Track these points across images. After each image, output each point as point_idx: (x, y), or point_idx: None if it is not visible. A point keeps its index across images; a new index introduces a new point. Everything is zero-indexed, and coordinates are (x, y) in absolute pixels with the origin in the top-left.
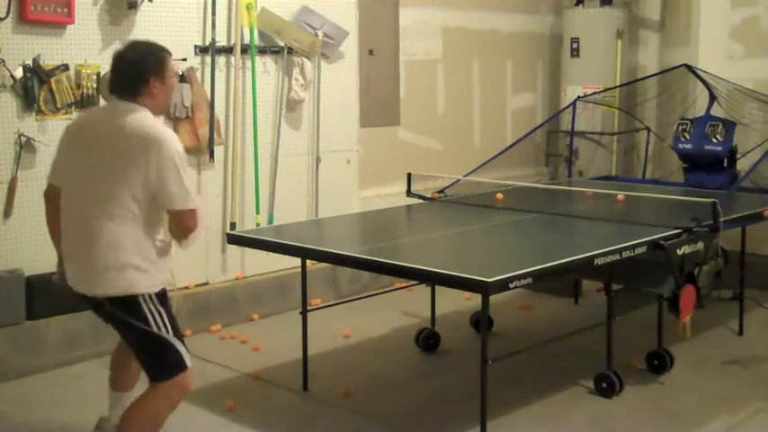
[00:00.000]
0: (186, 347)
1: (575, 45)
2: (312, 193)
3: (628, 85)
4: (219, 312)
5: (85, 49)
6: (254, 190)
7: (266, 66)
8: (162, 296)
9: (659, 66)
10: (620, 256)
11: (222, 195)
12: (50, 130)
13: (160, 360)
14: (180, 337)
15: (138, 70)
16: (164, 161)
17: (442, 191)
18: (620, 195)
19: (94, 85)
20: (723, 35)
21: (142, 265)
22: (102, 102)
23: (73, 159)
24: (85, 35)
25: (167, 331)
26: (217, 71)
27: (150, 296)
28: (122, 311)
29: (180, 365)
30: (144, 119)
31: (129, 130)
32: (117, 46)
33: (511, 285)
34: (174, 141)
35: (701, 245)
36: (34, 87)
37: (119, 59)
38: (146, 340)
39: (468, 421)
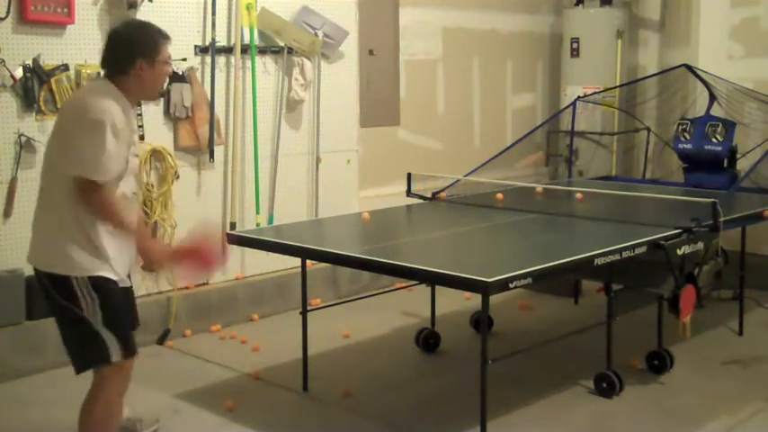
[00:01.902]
0: (123, 341)
1: (575, 45)
2: (312, 193)
3: (628, 85)
4: (219, 312)
5: (85, 49)
6: (254, 190)
7: (266, 66)
8: (98, 283)
9: (659, 66)
10: (620, 256)
11: (222, 195)
12: (50, 131)
13: (81, 348)
14: (117, 329)
15: (127, 49)
16: (80, 123)
17: (441, 191)
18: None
19: None
20: (723, 35)
21: (80, 247)
22: None
23: None
24: (85, 35)
25: (96, 320)
26: (217, 71)
27: (83, 279)
28: (55, 289)
29: (103, 358)
30: (92, 92)
31: (71, 105)
32: None
33: (511, 285)
34: (97, 109)
35: (701, 245)
36: (34, 87)
37: (109, 36)
38: (70, 324)
39: (468, 421)
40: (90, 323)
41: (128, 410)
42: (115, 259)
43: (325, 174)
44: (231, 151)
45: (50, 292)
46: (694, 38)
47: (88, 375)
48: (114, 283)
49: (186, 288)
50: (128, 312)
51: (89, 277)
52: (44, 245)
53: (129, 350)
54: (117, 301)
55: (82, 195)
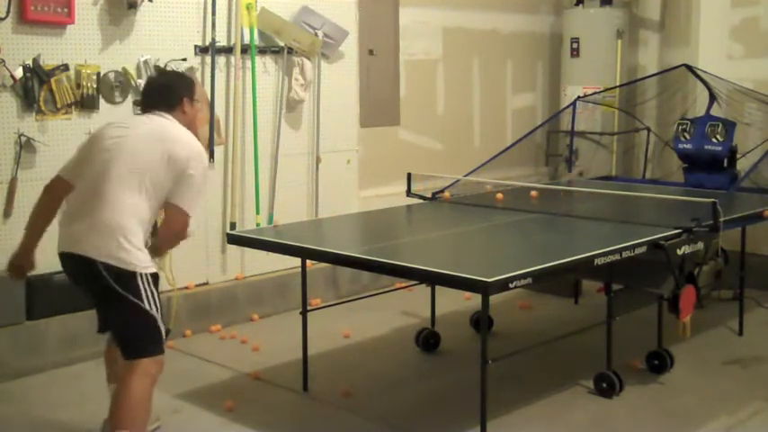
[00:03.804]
0: (166, 333)
1: (575, 45)
2: (312, 193)
3: (628, 85)
4: (219, 312)
5: (85, 49)
6: (254, 190)
7: (266, 66)
8: (155, 278)
9: (659, 66)
10: (620, 256)
11: (222, 195)
12: (50, 130)
13: (146, 337)
14: (165, 322)
15: (172, 90)
16: (191, 170)
17: (441, 191)
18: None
19: (94, 86)
20: (723, 35)
21: (142, 245)
22: (102, 102)
23: (98, 153)
24: (85, 35)
25: (157, 311)
26: (217, 71)
27: (147, 275)
28: (119, 283)
29: (159, 347)
30: (180, 126)
31: (181, 139)
32: (117, 46)
33: (511, 285)
34: (205, 157)
35: (701, 245)
36: (34, 87)
37: (151, 82)
38: (137, 316)
39: (468, 421)
40: (153, 317)
41: None
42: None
43: (325, 174)
44: (231, 151)
45: (109, 284)
46: (694, 38)
47: (88, 375)
48: (158, 275)
49: (186, 288)
50: None
51: (150, 273)
52: (116, 238)
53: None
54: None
55: (177, 224)
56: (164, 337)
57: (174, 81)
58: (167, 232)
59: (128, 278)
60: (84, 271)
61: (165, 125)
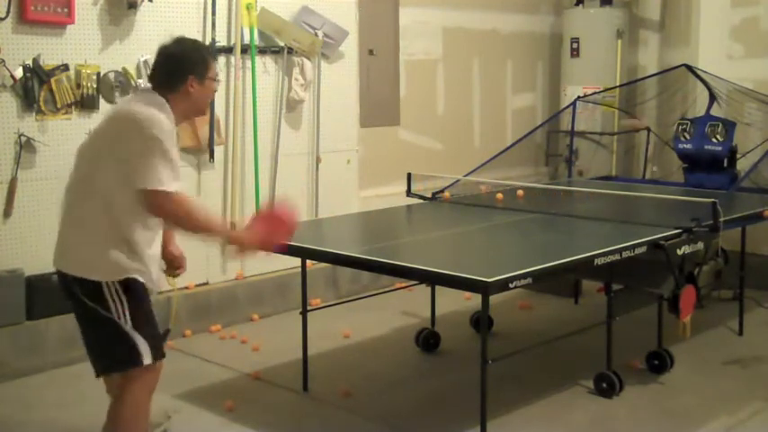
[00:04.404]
0: (153, 344)
1: (575, 45)
2: (312, 193)
3: (628, 85)
4: (219, 312)
5: (85, 49)
6: (254, 190)
7: (266, 66)
8: (128, 285)
9: (659, 66)
10: (620, 256)
11: (222, 195)
12: (50, 130)
13: (109, 350)
14: (149, 331)
15: (178, 65)
16: (144, 137)
17: (441, 191)
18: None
19: (94, 85)
20: (723, 35)
21: (114, 250)
22: (102, 102)
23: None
24: (85, 35)
25: (126, 322)
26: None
27: (114, 283)
28: (83, 294)
29: (134, 361)
30: (141, 104)
31: (120, 114)
32: (117, 46)
33: (511, 285)
34: (155, 123)
35: (701, 245)
36: (34, 87)
37: (161, 52)
38: (97, 326)
39: (468, 421)
40: (119, 325)
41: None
42: (148, 266)
43: (325, 174)
44: (231, 151)
45: (77, 295)
46: (694, 38)
47: (87, 375)
48: (143, 285)
49: (186, 288)
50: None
51: (119, 281)
52: (75, 249)
53: (159, 353)
54: (147, 303)
55: (159, 209)
56: (139, 348)
57: (185, 55)
58: (166, 223)
59: (94, 289)
60: (63, 288)
61: (129, 109)
